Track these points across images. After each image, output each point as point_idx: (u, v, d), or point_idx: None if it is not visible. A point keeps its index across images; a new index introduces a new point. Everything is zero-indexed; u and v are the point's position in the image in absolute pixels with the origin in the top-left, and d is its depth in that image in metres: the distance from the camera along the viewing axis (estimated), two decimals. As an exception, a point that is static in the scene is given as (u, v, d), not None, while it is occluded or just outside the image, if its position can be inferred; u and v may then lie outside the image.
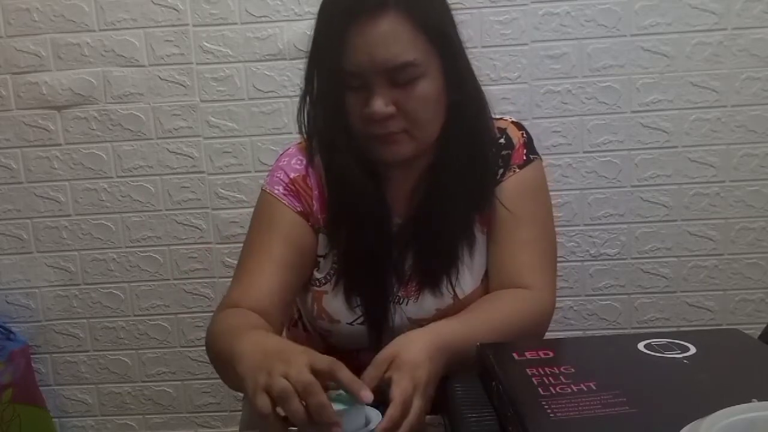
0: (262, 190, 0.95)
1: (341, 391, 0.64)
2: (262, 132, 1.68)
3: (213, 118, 1.68)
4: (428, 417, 0.72)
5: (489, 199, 0.91)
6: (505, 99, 1.62)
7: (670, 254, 1.69)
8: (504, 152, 0.92)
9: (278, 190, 0.92)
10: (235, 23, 1.64)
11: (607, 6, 1.59)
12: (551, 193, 0.97)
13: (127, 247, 1.74)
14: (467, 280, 0.92)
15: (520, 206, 0.91)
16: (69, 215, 1.73)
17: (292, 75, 1.64)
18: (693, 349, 0.67)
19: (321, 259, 0.93)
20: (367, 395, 0.62)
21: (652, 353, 0.66)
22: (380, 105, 0.81)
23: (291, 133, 1.64)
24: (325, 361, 0.63)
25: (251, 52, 1.64)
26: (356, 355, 0.93)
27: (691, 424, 0.48)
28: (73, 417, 1.83)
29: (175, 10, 1.64)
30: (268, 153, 1.67)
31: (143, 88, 1.67)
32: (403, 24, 0.80)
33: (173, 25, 1.64)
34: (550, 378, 0.62)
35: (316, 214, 0.92)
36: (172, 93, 1.67)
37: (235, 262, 0.94)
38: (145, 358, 1.79)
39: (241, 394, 1.05)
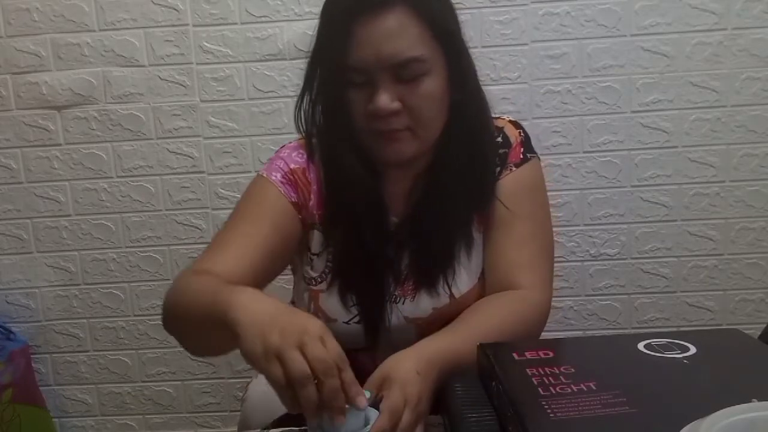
0: (258, 174, 0.93)
1: None
2: (262, 132, 1.68)
3: (213, 118, 1.68)
4: (428, 417, 0.72)
5: (488, 199, 0.91)
6: (505, 99, 1.62)
7: (670, 254, 1.69)
8: (501, 151, 0.92)
9: (276, 176, 0.91)
10: (235, 23, 1.64)
11: (607, 6, 1.59)
12: (551, 193, 0.97)
13: (127, 247, 1.74)
14: (464, 279, 0.92)
15: (516, 205, 0.91)
16: (69, 215, 1.73)
17: (292, 75, 1.64)
18: (693, 349, 0.67)
19: (314, 257, 0.93)
20: (362, 401, 0.62)
21: (652, 353, 0.66)
22: (385, 100, 0.81)
23: (291, 133, 1.63)
24: (336, 350, 0.61)
25: (251, 52, 1.64)
26: (354, 356, 0.93)
27: (691, 424, 0.48)
28: (73, 417, 1.83)
29: (175, 10, 1.64)
30: (268, 153, 1.66)
31: (143, 88, 1.67)
32: (409, 19, 0.80)
33: (173, 25, 1.64)
34: (550, 378, 0.62)
35: (312, 209, 0.92)
36: (172, 93, 1.67)
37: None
38: (145, 358, 1.79)
39: (241, 394, 1.05)
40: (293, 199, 0.90)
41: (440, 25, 0.83)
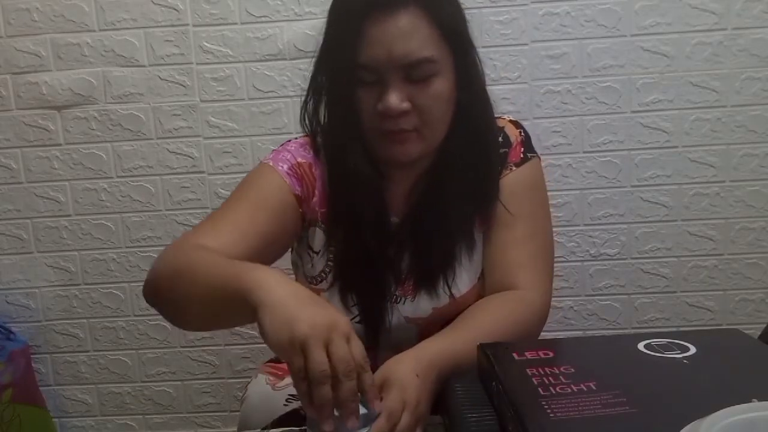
0: (262, 162, 0.92)
1: None
2: (262, 132, 1.68)
3: (213, 118, 1.68)
4: (428, 417, 0.72)
5: (491, 201, 0.90)
6: (505, 99, 1.62)
7: (670, 254, 1.69)
8: (501, 150, 0.93)
9: (282, 167, 0.90)
10: (235, 23, 1.64)
11: (607, 6, 1.59)
12: (551, 193, 0.97)
13: (127, 247, 1.74)
14: (464, 279, 0.92)
15: (515, 204, 0.91)
16: (69, 215, 1.73)
17: (292, 75, 1.64)
18: (693, 349, 0.67)
19: (315, 255, 0.93)
20: (379, 406, 0.63)
21: (652, 353, 0.66)
22: (395, 100, 0.81)
23: (291, 133, 1.64)
24: (360, 350, 0.61)
25: (251, 52, 1.64)
26: None
27: (691, 424, 0.48)
28: (73, 417, 1.83)
29: (175, 10, 1.64)
30: (268, 153, 1.67)
31: (143, 88, 1.67)
32: (421, 20, 0.80)
33: (173, 25, 1.64)
34: (550, 378, 0.62)
35: (315, 206, 0.91)
36: (172, 93, 1.67)
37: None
38: (145, 358, 1.79)
39: (241, 394, 1.05)
40: (297, 192, 0.90)
41: (450, 26, 0.83)
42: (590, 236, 1.69)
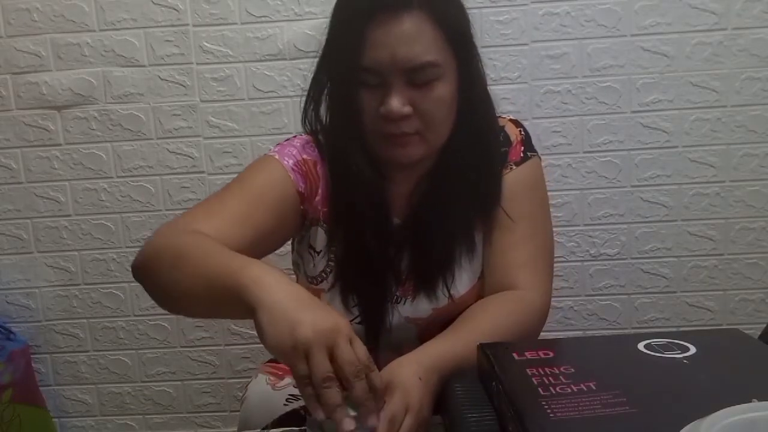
0: (267, 155, 0.91)
1: None
2: (262, 132, 1.68)
3: (213, 118, 1.68)
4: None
5: (492, 204, 0.90)
6: (505, 99, 1.62)
7: (670, 254, 1.69)
8: (501, 149, 0.92)
9: (288, 162, 0.89)
10: (235, 23, 1.64)
11: (607, 6, 1.59)
12: (551, 193, 0.97)
13: (127, 247, 1.74)
14: (463, 281, 0.92)
15: (515, 204, 0.91)
16: (69, 215, 1.73)
17: (292, 75, 1.64)
18: (693, 349, 0.67)
19: (316, 255, 0.92)
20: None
21: (652, 353, 0.66)
22: (398, 104, 0.80)
23: (291, 133, 1.63)
24: (364, 352, 0.61)
25: (251, 52, 1.64)
26: None
27: (691, 424, 0.48)
28: (73, 417, 1.83)
29: (175, 10, 1.63)
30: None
31: (143, 88, 1.67)
32: (426, 23, 0.80)
33: (173, 25, 1.64)
34: (550, 378, 0.62)
35: (317, 205, 0.91)
36: (172, 93, 1.67)
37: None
38: (145, 358, 1.79)
39: (241, 394, 1.05)
40: (300, 189, 0.89)
41: (455, 31, 0.83)
42: (590, 236, 1.69)
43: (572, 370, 0.64)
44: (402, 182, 0.92)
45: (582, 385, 0.60)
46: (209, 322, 1.76)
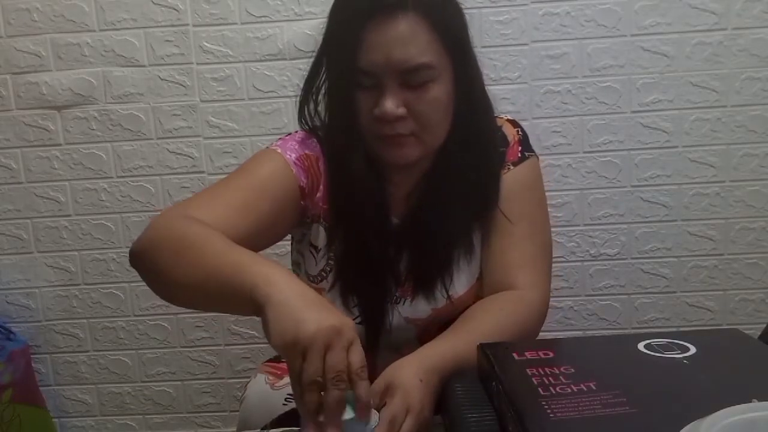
0: (269, 148, 0.90)
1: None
2: (262, 132, 1.68)
3: (213, 118, 1.68)
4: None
5: (491, 205, 0.90)
6: (505, 99, 1.62)
7: (670, 254, 1.69)
8: (499, 150, 0.92)
9: (290, 156, 0.88)
10: (235, 23, 1.64)
11: (607, 6, 1.59)
12: (551, 193, 0.97)
13: (127, 247, 1.74)
14: (462, 281, 0.92)
15: (513, 204, 0.91)
16: (69, 215, 1.73)
17: (292, 75, 1.64)
18: (693, 349, 0.67)
19: (316, 254, 0.92)
20: (367, 416, 0.61)
21: (652, 353, 0.66)
22: (391, 106, 0.81)
23: (291, 133, 1.64)
24: (358, 360, 0.59)
25: (251, 52, 1.64)
26: None
27: (691, 424, 0.48)
28: (73, 417, 1.83)
29: (175, 10, 1.64)
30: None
31: (143, 88, 1.67)
32: (421, 25, 0.80)
33: (173, 25, 1.64)
34: (550, 378, 0.62)
35: (318, 201, 0.91)
36: (172, 93, 1.67)
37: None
38: (145, 358, 1.79)
39: (240, 394, 1.05)
40: (302, 184, 0.88)
41: (450, 33, 0.83)
42: (590, 236, 1.69)
43: (572, 370, 0.64)
44: (401, 182, 0.92)
45: (582, 385, 0.60)
46: (209, 322, 1.76)
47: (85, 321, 1.78)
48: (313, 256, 0.93)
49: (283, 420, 0.91)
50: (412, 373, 0.71)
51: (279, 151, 0.89)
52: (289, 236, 0.97)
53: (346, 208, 0.89)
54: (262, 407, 0.97)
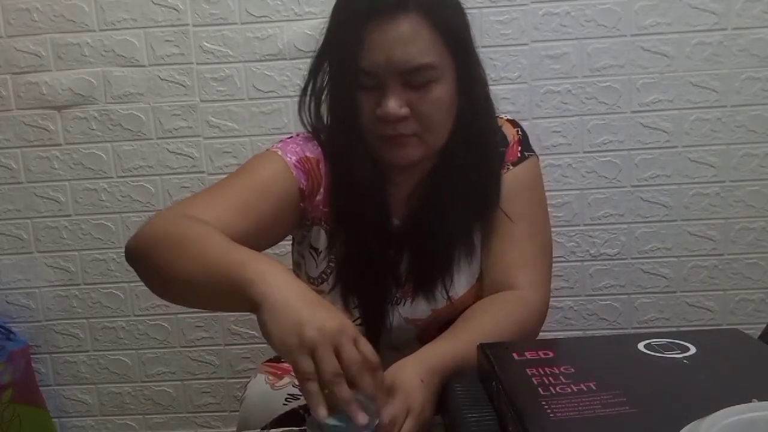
0: (270, 150, 0.90)
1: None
2: (262, 132, 1.68)
3: (213, 118, 1.68)
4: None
5: (492, 206, 0.90)
6: (505, 99, 1.62)
7: (670, 254, 1.69)
8: (499, 150, 0.92)
9: (290, 158, 0.88)
10: (235, 23, 1.64)
11: (607, 6, 1.59)
12: (551, 193, 0.97)
13: (127, 247, 1.74)
14: (462, 282, 0.92)
15: (513, 204, 0.90)
16: (69, 215, 1.73)
17: (292, 75, 1.64)
18: (693, 349, 0.67)
19: (317, 255, 0.92)
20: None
21: (652, 353, 0.66)
22: (394, 106, 0.80)
23: (291, 133, 1.64)
24: (370, 352, 0.61)
25: (251, 52, 1.64)
26: None
27: (691, 424, 0.48)
28: (73, 417, 1.83)
29: (175, 10, 1.63)
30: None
31: (143, 88, 1.67)
32: (422, 26, 0.80)
33: (173, 25, 1.64)
34: (550, 378, 0.62)
35: (318, 204, 0.91)
36: (172, 93, 1.67)
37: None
38: (145, 358, 1.79)
39: (241, 394, 1.05)
40: (302, 186, 0.88)
41: (453, 33, 0.83)
42: (590, 236, 1.69)
43: (572, 370, 0.64)
44: (402, 183, 0.92)
45: (582, 385, 0.60)
46: (209, 321, 1.76)
47: (85, 321, 1.78)
48: (314, 259, 0.93)
49: (283, 420, 0.91)
50: (413, 374, 0.71)
51: (279, 153, 0.89)
52: (289, 236, 0.97)
53: (347, 209, 0.89)
54: (262, 407, 0.97)
